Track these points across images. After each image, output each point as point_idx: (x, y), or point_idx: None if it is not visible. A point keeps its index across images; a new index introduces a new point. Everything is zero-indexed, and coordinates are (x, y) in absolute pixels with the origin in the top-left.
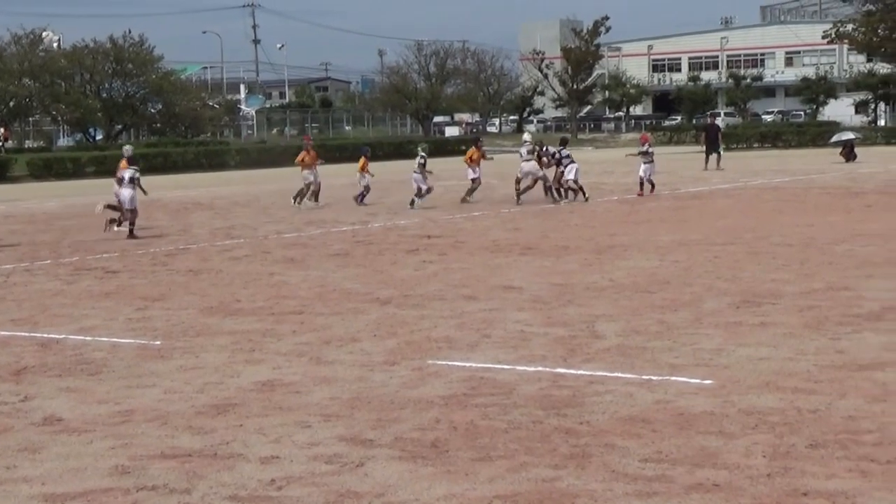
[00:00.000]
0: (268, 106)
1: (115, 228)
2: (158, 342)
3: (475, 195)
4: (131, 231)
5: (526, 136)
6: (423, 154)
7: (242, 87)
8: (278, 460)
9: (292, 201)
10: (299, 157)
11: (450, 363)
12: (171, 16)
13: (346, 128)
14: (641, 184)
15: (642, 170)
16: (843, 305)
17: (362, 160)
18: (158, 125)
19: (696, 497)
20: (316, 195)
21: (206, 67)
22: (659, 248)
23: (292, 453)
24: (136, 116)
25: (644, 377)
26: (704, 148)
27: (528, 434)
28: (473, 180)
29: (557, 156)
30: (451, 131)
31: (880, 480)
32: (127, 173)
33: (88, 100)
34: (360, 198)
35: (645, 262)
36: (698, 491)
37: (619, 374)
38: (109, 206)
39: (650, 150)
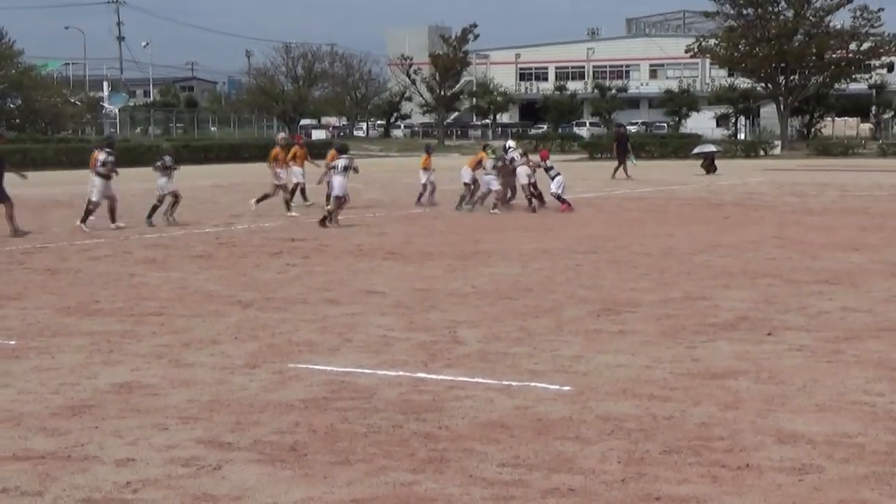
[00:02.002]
0: (131, 104)
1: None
2: (13, 342)
3: (425, 199)
4: (330, 217)
5: (510, 143)
6: (493, 156)
7: (106, 84)
8: (134, 463)
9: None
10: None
11: (311, 367)
12: (33, 10)
13: (212, 128)
14: (559, 198)
15: (554, 185)
16: (700, 315)
17: (425, 157)
18: (17, 121)
19: (551, 501)
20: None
21: (68, 64)
22: (522, 255)
23: (149, 456)
24: None
25: (504, 383)
26: (616, 157)
27: (387, 438)
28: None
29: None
30: (318, 134)
31: (730, 485)
32: (341, 162)
33: None
34: (422, 197)
35: (508, 270)
36: (554, 496)
37: (480, 380)
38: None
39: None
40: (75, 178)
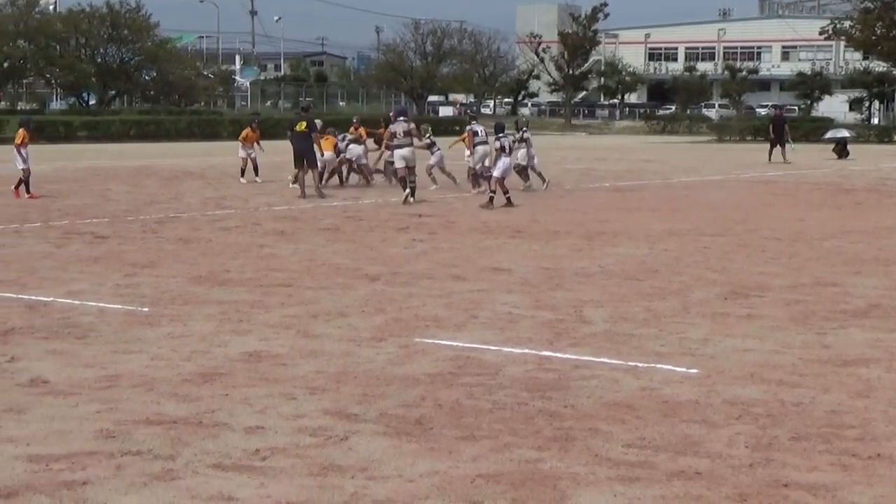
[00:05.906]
0: (262, 78)
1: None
2: (146, 309)
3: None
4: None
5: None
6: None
7: (238, 58)
8: (263, 431)
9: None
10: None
11: (437, 342)
12: None
13: (341, 103)
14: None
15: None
16: (830, 301)
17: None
18: (152, 93)
19: (677, 484)
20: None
21: (201, 37)
22: (649, 236)
23: (277, 424)
24: (129, 83)
25: (630, 364)
26: (770, 139)
27: (512, 415)
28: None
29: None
30: (445, 111)
31: (861, 475)
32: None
33: (83, 64)
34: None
35: (634, 250)
36: (680, 478)
37: (605, 360)
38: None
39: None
40: (206, 150)
